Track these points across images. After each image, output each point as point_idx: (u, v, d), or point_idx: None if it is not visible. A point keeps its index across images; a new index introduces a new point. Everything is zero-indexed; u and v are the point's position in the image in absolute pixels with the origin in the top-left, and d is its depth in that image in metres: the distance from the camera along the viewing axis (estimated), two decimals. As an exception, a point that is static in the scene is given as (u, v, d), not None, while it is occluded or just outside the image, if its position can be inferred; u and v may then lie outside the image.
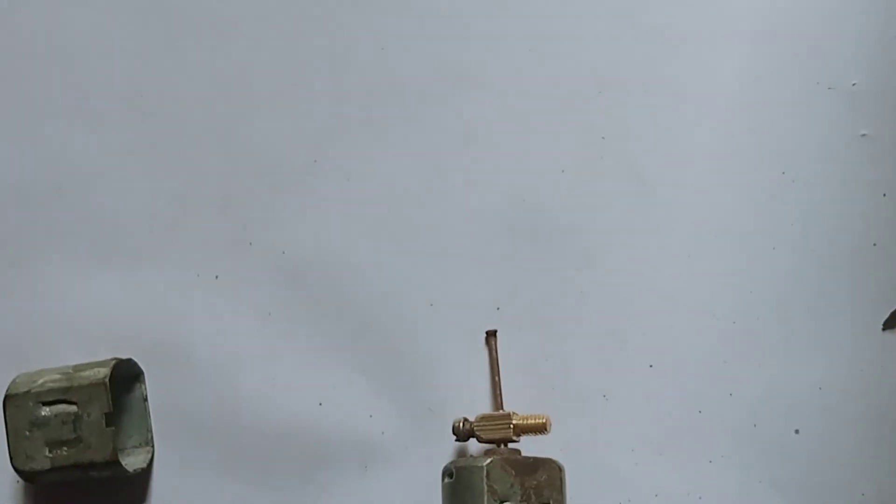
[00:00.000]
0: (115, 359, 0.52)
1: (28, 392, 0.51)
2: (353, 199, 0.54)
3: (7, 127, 0.57)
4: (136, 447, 0.53)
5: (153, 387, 0.54)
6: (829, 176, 0.50)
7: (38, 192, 0.56)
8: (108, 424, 0.50)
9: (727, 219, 0.51)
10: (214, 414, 0.54)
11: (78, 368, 0.51)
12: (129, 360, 0.53)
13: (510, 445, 0.49)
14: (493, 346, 0.52)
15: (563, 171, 0.52)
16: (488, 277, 0.52)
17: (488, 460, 0.47)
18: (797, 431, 0.50)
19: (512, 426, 0.48)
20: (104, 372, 0.51)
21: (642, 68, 0.52)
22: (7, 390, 0.52)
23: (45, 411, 0.51)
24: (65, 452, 0.50)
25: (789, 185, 0.50)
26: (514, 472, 0.47)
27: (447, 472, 0.48)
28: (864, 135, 0.50)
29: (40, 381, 0.51)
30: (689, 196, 0.51)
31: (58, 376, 0.51)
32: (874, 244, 0.50)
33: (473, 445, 0.51)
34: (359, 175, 0.54)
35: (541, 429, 0.48)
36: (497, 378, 0.51)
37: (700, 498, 0.50)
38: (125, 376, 0.53)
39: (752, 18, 0.51)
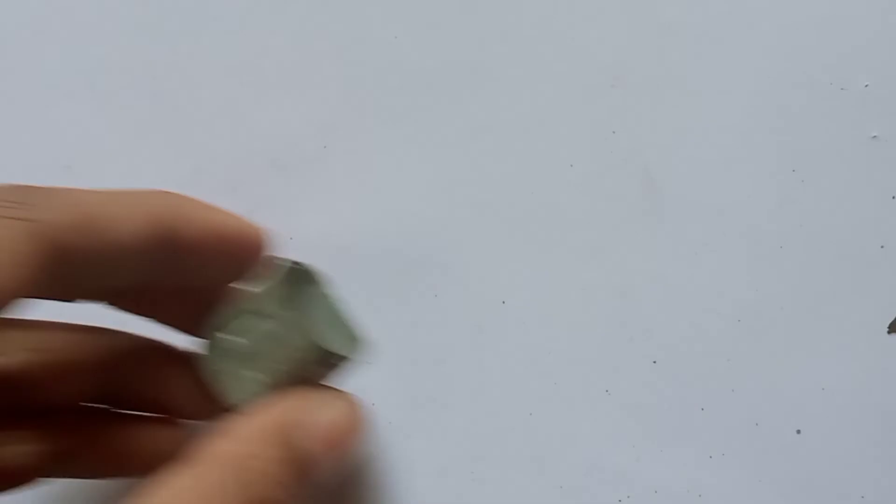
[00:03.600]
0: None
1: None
2: (361, 186, 0.54)
3: (17, 104, 0.57)
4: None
5: (156, 369, 0.54)
6: (838, 176, 0.50)
7: (47, 169, 0.56)
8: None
9: (735, 217, 0.51)
10: (216, 398, 0.54)
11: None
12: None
13: None
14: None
15: (571, 165, 0.52)
16: (495, 270, 0.52)
17: None
18: (799, 431, 0.50)
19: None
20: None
21: (655, 64, 0.52)
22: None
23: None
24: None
25: (798, 184, 0.50)
26: None
27: None
28: (874, 136, 0.50)
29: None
30: (697, 193, 0.51)
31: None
32: (881, 246, 0.50)
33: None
34: (368, 163, 0.54)
35: None
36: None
37: (700, 495, 0.50)
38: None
39: (765, 18, 0.51)
